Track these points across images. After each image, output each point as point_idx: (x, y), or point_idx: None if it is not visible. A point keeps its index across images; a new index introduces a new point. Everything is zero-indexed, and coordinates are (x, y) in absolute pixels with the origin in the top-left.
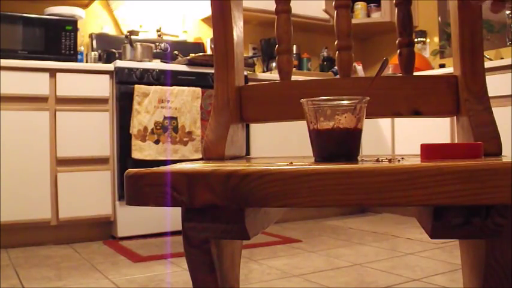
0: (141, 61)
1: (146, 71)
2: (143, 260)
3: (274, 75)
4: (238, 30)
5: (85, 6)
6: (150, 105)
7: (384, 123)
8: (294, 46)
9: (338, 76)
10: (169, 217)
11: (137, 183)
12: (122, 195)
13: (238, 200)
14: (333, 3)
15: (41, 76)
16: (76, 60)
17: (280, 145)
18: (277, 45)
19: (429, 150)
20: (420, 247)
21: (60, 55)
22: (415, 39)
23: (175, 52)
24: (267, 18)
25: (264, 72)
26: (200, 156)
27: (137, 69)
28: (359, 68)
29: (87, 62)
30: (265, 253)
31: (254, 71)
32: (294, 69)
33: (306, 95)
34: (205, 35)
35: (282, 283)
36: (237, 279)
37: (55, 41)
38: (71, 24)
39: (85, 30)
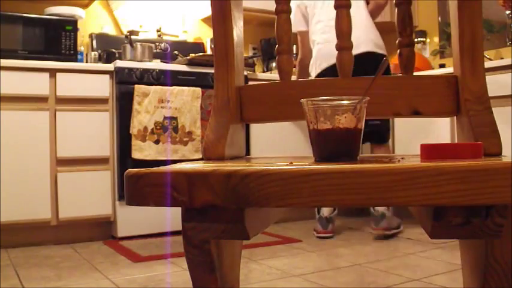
0: (141, 61)
1: (146, 71)
2: (143, 260)
3: (274, 75)
4: (238, 30)
5: (85, 6)
6: (150, 105)
7: None
8: (294, 46)
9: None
10: (169, 217)
11: (137, 183)
12: (122, 195)
13: (238, 200)
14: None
15: (41, 76)
16: (76, 60)
17: (280, 145)
18: (277, 45)
19: (429, 150)
20: (420, 247)
21: (60, 55)
22: (415, 39)
23: (175, 52)
24: (267, 18)
25: (264, 72)
26: (200, 156)
27: (137, 69)
28: None
29: (87, 62)
30: (265, 253)
31: (254, 71)
32: (294, 69)
33: (306, 95)
34: (205, 35)
35: (282, 283)
36: (237, 279)
37: (55, 41)
38: (71, 24)
39: (85, 30)
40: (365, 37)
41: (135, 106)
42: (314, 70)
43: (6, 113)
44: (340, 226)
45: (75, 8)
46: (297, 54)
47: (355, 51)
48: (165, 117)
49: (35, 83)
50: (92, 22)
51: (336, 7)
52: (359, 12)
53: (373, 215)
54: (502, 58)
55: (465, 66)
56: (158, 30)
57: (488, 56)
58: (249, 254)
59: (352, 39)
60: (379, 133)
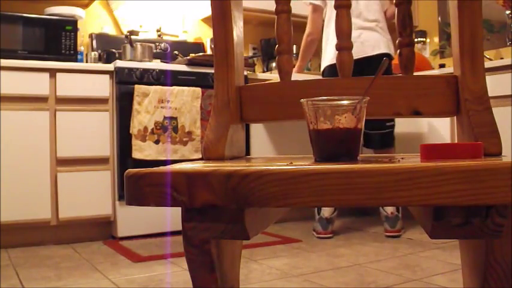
0: (141, 61)
1: (146, 71)
2: (143, 260)
3: (274, 75)
4: (238, 30)
5: (85, 6)
6: (150, 105)
7: None
8: (294, 46)
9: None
10: (169, 217)
11: (137, 183)
12: (122, 195)
13: (238, 200)
14: (333, 3)
15: (41, 76)
16: (76, 60)
17: (280, 145)
18: (277, 45)
19: (429, 150)
20: (420, 247)
21: (60, 55)
22: (415, 39)
23: (175, 52)
24: (267, 18)
25: (264, 72)
26: (200, 156)
27: (137, 69)
28: None
29: (87, 62)
30: (265, 253)
31: (254, 71)
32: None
33: (306, 95)
34: (205, 35)
35: (282, 283)
36: (237, 279)
37: (55, 41)
38: (71, 24)
39: (85, 30)
40: (386, 39)
41: (135, 106)
42: (331, 59)
43: (6, 113)
44: (340, 226)
45: (75, 8)
46: (297, 54)
47: (376, 51)
48: (165, 117)
49: (35, 83)
50: (92, 22)
51: (336, 7)
52: (380, 14)
53: (386, 218)
54: (502, 58)
55: (465, 66)
56: (158, 30)
57: (488, 56)
58: (249, 254)
59: (373, 40)
60: (390, 135)
